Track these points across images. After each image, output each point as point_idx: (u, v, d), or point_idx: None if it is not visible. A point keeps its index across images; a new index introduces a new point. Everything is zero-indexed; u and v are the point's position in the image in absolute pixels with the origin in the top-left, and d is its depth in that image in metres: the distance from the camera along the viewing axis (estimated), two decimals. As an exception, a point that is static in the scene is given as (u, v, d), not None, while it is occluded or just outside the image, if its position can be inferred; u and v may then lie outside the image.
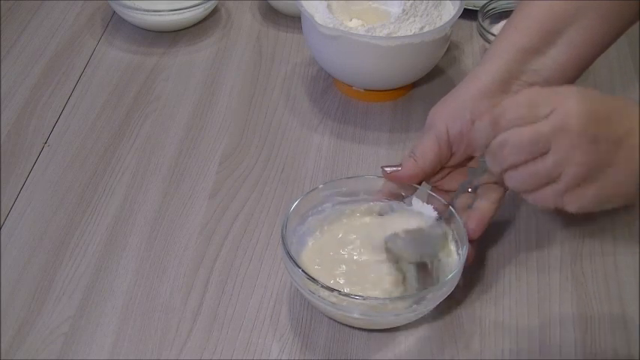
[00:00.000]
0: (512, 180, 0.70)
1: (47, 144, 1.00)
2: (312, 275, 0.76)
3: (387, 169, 0.81)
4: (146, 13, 1.15)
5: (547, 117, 0.65)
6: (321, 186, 0.84)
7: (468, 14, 1.13)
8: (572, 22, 0.79)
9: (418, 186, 0.83)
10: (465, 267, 0.77)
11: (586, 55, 0.81)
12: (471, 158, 0.82)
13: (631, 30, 0.82)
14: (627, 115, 0.65)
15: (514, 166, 0.68)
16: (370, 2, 1.08)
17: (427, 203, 0.83)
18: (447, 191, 0.84)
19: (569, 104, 0.65)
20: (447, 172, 0.83)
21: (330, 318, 0.80)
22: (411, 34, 1.00)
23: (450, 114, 0.79)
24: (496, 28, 1.08)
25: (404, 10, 1.01)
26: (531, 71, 0.80)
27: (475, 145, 0.71)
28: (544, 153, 0.66)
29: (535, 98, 0.66)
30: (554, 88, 0.67)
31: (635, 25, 0.85)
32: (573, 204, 0.68)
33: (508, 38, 0.81)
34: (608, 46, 0.82)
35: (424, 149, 0.80)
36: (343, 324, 0.79)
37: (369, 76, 1.03)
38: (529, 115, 0.65)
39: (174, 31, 1.18)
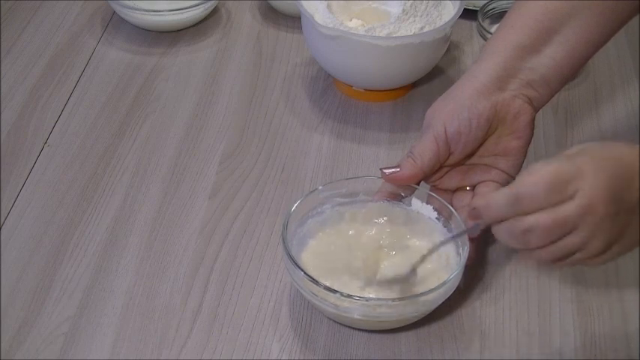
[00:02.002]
0: (538, 256, 0.69)
1: (47, 144, 1.00)
2: (313, 277, 0.76)
3: (386, 170, 0.81)
4: (146, 13, 1.15)
5: (572, 198, 0.64)
6: (320, 187, 0.84)
7: (468, 14, 1.13)
8: (568, 21, 0.80)
9: (417, 186, 0.83)
10: (465, 267, 0.77)
11: (582, 53, 0.81)
12: (469, 156, 0.82)
13: (631, 30, 0.83)
14: None
15: (540, 247, 0.67)
16: (370, 2, 1.08)
17: (426, 203, 0.83)
18: (445, 190, 0.84)
19: (592, 184, 0.64)
20: (445, 171, 0.83)
21: (331, 319, 0.80)
22: (411, 34, 1.00)
23: (448, 113, 0.79)
24: (496, 28, 1.08)
25: (404, 10, 1.01)
26: (528, 69, 0.80)
27: (487, 217, 0.69)
28: (570, 232, 0.66)
29: (556, 179, 0.64)
30: (574, 160, 0.64)
31: (635, 25, 0.85)
32: (595, 264, 0.69)
33: (504, 36, 0.82)
34: (604, 44, 0.82)
35: (422, 149, 0.80)
36: (344, 325, 0.79)
37: (369, 76, 1.03)
38: (552, 198, 0.64)
39: (175, 31, 1.18)
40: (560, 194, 0.64)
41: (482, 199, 0.69)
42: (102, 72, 1.11)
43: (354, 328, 0.79)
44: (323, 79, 1.10)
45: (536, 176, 0.64)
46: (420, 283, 0.78)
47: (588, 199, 0.64)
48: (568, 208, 0.64)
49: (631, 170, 0.65)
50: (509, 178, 0.82)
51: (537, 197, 0.64)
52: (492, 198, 0.68)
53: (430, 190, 0.84)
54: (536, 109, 0.81)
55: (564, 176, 0.64)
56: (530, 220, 0.65)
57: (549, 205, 0.64)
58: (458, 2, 1.04)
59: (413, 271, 0.79)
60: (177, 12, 1.15)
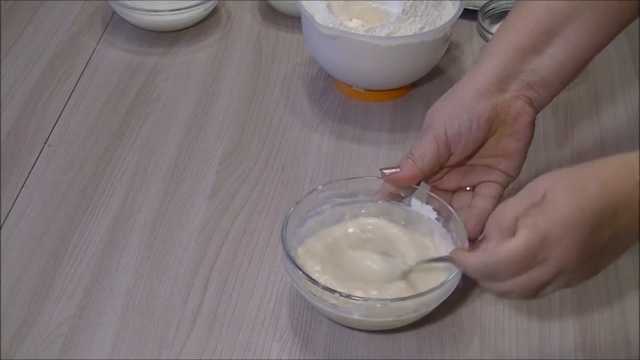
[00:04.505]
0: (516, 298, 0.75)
1: (47, 144, 1.00)
2: (312, 277, 0.76)
3: (386, 171, 0.81)
4: (146, 13, 1.15)
5: (542, 263, 0.67)
6: (320, 187, 0.84)
7: (468, 14, 1.13)
8: (570, 22, 0.79)
9: (417, 186, 0.83)
10: (464, 267, 0.77)
11: (583, 54, 0.81)
12: (469, 157, 0.82)
13: (631, 30, 0.82)
14: (613, 216, 0.66)
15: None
16: (370, 2, 1.08)
17: (426, 203, 0.83)
18: (445, 190, 0.84)
19: (561, 251, 0.66)
20: (445, 172, 0.83)
21: (331, 319, 0.80)
22: (411, 34, 1.00)
23: (448, 114, 0.79)
24: (496, 28, 1.08)
25: (404, 10, 1.01)
26: (529, 70, 0.80)
27: (464, 272, 0.74)
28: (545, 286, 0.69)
29: (526, 255, 0.66)
30: (539, 227, 0.66)
31: (635, 25, 0.84)
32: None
33: (505, 37, 0.81)
34: (605, 45, 0.82)
35: (423, 150, 0.80)
36: (344, 325, 0.79)
37: (369, 76, 1.03)
38: (525, 268, 0.67)
39: (175, 31, 1.18)
40: (531, 264, 0.67)
41: (459, 256, 0.73)
42: (102, 72, 1.11)
43: (353, 329, 0.79)
44: (323, 79, 1.10)
45: (506, 252, 0.67)
46: (419, 283, 0.78)
47: (559, 263, 0.66)
48: (540, 272, 0.67)
49: (598, 216, 0.65)
50: (509, 179, 0.82)
51: (508, 271, 0.68)
52: (467, 261, 0.71)
53: (430, 191, 0.84)
54: (536, 110, 0.81)
55: (533, 250, 0.66)
56: (505, 286, 0.69)
57: (521, 272, 0.68)
58: (458, 2, 1.04)
59: (411, 271, 0.79)
60: (177, 12, 1.15)
